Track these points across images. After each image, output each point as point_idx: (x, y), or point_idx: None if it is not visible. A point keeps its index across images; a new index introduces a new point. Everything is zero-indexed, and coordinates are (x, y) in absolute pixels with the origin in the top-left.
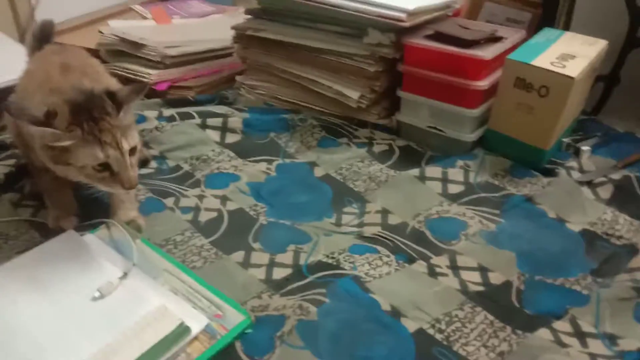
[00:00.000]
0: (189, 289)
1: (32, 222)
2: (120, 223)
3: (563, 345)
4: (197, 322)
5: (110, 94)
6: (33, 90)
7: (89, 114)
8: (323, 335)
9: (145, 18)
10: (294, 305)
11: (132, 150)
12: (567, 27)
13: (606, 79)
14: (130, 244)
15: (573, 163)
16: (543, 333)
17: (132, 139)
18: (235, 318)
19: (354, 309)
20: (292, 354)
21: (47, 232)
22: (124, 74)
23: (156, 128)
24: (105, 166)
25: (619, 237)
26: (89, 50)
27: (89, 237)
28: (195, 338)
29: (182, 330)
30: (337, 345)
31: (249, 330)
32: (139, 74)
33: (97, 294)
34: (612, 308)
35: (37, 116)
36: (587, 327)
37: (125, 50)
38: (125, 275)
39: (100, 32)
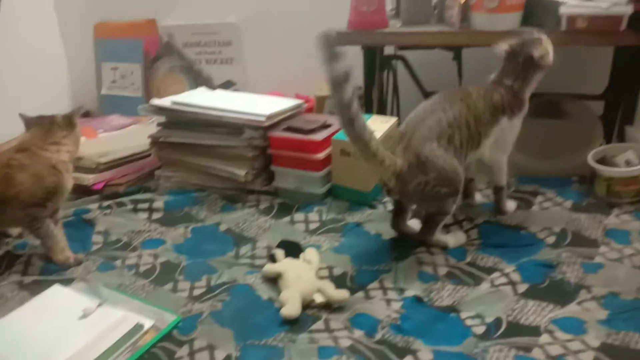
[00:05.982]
0: (140, 307)
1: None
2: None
3: (370, 298)
4: (147, 322)
5: None
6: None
7: None
8: (226, 315)
9: None
10: (208, 305)
11: None
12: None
13: None
14: (99, 288)
15: (387, 199)
16: (363, 293)
17: None
18: (171, 317)
19: (244, 300)
20: (208, 328)
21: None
22: None
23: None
24: None
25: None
26: None
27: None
28: (146, 332)
29: (137, 327)
30: (234, 319)
31: (180, 324)
32: (80, 179)
33: (81, 314)
34: (404, 273)
35: None
36: (388, 285)
37: None
38: (100, 304)
39: None
